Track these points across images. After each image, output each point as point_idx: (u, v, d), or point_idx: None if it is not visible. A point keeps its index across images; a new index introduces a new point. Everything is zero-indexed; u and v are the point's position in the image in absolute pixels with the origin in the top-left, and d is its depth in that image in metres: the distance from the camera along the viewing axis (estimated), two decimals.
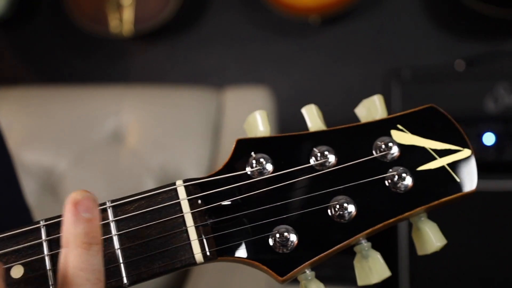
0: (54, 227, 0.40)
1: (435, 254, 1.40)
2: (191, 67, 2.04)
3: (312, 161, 0.42)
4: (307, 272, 0.42)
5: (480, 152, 1.49)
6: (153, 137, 1.39)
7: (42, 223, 0.40)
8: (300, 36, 1.97)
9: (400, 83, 1.52)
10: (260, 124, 0.44)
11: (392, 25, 1.91)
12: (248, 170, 0.42)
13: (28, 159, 1.37)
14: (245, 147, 0.43)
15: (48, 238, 0.40)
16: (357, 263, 0.42)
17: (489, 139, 1.48)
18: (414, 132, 0.43)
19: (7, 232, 0.40)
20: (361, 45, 1.95)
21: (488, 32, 1.83)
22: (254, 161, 0.42)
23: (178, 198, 0.41)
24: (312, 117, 0.44)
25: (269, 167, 0.42)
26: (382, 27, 1.91)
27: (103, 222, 0.40)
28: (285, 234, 0.40)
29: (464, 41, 1.86)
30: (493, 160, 1.48)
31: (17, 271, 0.39)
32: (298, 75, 2.00)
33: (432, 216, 1.38)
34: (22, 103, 1.47)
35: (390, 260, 1.56)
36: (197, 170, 1.35)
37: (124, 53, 2.06)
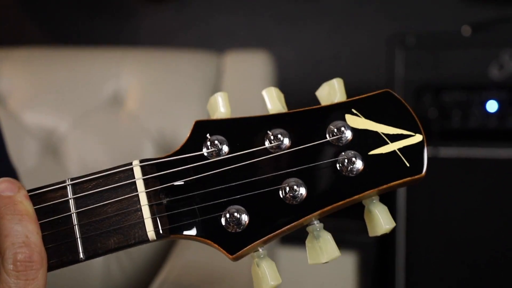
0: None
1: (435, 220, 1.40)
2: (199, 27, 2.04)
3: (267, 143, 0.43)
4: (260, 250, 0.43)
5: (483, 120, 1.49)
6: (152, 101, 1.41)
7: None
8: None
9: (404, 48, 1.51)
10: (221, 106, 0.45)
11: None
12: (204, 151, 0.43)
13: (30, 120, 1.39)
14: (203, 129, 0.44)
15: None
16: (308, 243, 0.43)
17: (492, 106, 1.48)
18: (368, 116, 0.43)
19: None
20: (369, 8, 1.93)
21: None
22: (209, 143, 0.43)
23: (134, 178, 0.42)
24: (272, 100, 0.45)
25: (225, 148, 0.44)
26: None
27: (63, 199, 0.42)
28: (235, 214, 0.41)
29: (475, 5, 1.83)
30: (495, 127, 1.49)
31: None
32: (306, 37, 2.00)
33: (433, 183, 1.39)
34: (25, 64, 1.48)
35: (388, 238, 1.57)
36: None
37: (132, 13, 2.07)
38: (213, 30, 2.06)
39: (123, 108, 1.40)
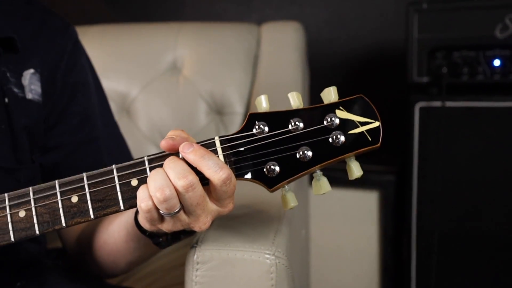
0: (153, 160, 0.77)
1: (443, 161, 1.74)
2: None
3: (290, 126, 0.76)
4: (286, 187, 0.77)
5: (490, 74, 1.74)
6: (204, 68, 1.72)
7: (146, 158, 0.76)
8: None
9: (419, 13, 1.73)
10: (263, 102, 0.78)
11: None
12: (254, 131, 0.76)
13: (107, 86, 1.73)
14: (254, 117, 0.77)
15: (150, 166, 0.76)
16: (314, 183, 0.77)
17: (496, 63, 1.72)
18: (349, 111, 0.75)
19: (127, 163, 0.77)
20: None
21: None
22: (257, 126, 0.76)
23: (215, 146, 0.76)
24: (293, 100, 0.77)
25: (266, 129, 0.76)
26: None
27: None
28: (272, 166, 0.75)
29: None
30: (499, 81, 1.73)
31: (134, 182, 0.76)
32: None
33: (443, 129, 1.76)
34: (98, 39, 1.80)
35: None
36: (239, 95, 1.69)
37: None
38: None
39: (181, 75, 1.72)
